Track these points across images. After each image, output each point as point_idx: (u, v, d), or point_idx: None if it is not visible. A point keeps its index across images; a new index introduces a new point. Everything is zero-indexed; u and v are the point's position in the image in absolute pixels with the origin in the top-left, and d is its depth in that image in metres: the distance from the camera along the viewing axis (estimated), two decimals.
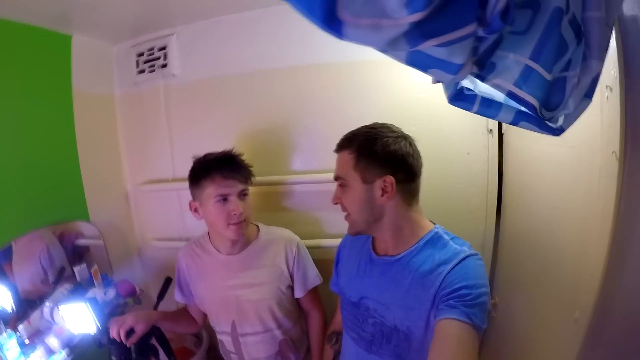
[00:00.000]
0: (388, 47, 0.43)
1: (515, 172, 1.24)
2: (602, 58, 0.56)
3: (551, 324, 0.99)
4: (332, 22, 0.41)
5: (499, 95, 0.66)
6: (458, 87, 0.69)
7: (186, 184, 1.46)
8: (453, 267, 0.78)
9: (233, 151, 1.12)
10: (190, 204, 1.12)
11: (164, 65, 1.47)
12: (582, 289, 0.83)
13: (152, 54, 1.49)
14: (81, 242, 1.46)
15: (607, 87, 0.75)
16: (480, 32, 0.43)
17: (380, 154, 0.83)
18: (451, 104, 0.69)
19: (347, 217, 0.90)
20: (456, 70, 0.45)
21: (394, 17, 0.40)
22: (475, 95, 0.68)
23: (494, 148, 1.28)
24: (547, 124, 0.68)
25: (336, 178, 0.90)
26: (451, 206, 1.32)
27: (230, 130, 1.47)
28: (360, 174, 0.84)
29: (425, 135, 1.27)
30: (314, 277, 1.21)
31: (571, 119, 0.65)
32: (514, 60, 0.51)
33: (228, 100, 1.46)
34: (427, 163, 1.28)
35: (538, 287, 1.07)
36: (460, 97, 0.68)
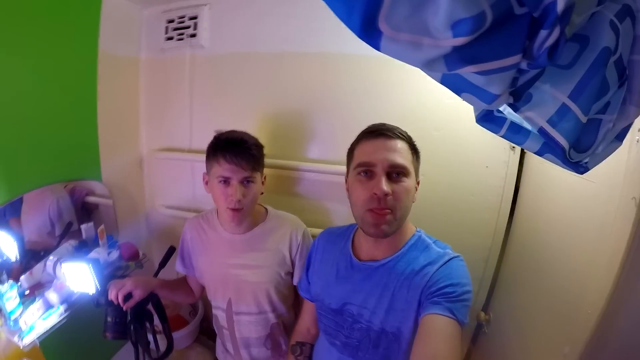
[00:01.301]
0: (425, 67, 0.41)
1: (532, 194, 1.21)
2: None
3: (540, 353, 0.98)
4: (370, 32, 0.39)
5: (527, 124, 0.63)
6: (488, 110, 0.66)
7: (201, 156, 1.47)
8: (438, 268, 0.79)
9: (246, 135, 1.08)
10: (203, 176, 1.12)
11: (193, 35, 1.45)
12: (576, 325, 0.82)
13: (183, 22, 1.47)
14: (91, 199, 1.47)
15: (639, 130, 0.72)
16: (524, 65, 0.41)
17: (419, 159, 0.88)
18: (479, 124, 0.66)
19: (387, 214, 0.79)
20: (491, 100, 0.43)
21: (437, 37, 0.38)
22: (505, 119, 0.65)
23: (514, 165, 1.25)
24: (571, 160, 0.66)
25: (395, 167, 0.80)
26: (461, 217, 1.30)
27: (252, 109, 1.45)
28: (415, 169, 0.85)
29: (446, 142, 1.27)
30: None
31: (597, 159, 0.63)
32: (552, 96, 0.48)
33: (253, 78, 1.43)
34: (444, 170, 1.30)
35: (533, 314, 1.06)
36: (489, 119, 0.65)
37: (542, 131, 0.48)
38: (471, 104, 0.46)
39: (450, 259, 0.81)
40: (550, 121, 0.48)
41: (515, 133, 0.64)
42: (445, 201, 1.29)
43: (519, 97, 0.48)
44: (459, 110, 1.22)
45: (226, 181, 1.03)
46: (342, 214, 1.41)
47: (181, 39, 1.47)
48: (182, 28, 1.47)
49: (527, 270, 1.14)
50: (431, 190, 1.27)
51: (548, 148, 0.63)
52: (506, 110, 0.65)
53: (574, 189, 0.94)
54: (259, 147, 1.09)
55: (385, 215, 0.79)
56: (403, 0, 0.37)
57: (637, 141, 0.73)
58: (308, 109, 1.40)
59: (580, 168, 0.65)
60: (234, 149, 1.02)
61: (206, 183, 1.11)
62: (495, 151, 1.25)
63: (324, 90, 1.36)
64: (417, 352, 0.69)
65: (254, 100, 1.45)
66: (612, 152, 0.62)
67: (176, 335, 1.38)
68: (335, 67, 1.33)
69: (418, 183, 0.87)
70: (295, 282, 1.19)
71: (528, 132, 0.64)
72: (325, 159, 1.39)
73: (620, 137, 0.60)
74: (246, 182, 1.04)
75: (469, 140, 1.26)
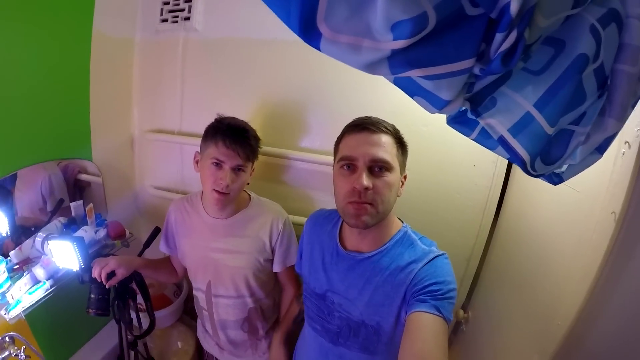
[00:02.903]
0: (367, 70, 0.37)
1: (518, 197, 1.17)
2: (622, 119, 0.48)
3: (511, 358, 0.97)
4: (309, 33, 0.36)
5: None
6: (462, 109, 0.62)
7: (190, 138, 1.43)
8: (423, 266, 0.78)
9: (248, 125, 1.08)
10: (195, 154, 1.11)
11: (187, 18, 1.41)
12: (546, 336, 0.80)
13: (178, 4, 1.42)
14: (83, 177, 1.46)
15: (625, 143, 0.67)
16: (477, 70, 0.37)
17: (407, 153, 0.85)
18: (449, 125, 0.62)
19: (367, 207, 0.78)
20: (442, 105, 0.39)
21: (378, 39, 0.34)
22: (477, 122, 0.61)
23: (502, 166, 1.20)
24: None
25: (377, 161, 0.78)
26: (445, 214, 1.26)
27: (242, 94, 1.42)
28: (400, 163, 0.82)
29: (434, 138, 1.22)
30: (294, 255, 1.20)
31: (574, 170, 0.58)
32: (516, 103, 0.44)
33: (244, 64, 1.39)
34: (430, 167, 1.26)
35: (509, 318, 1.04)
36: (460, 120, 0.60)
37: (501, 140, 0.44)
38: (423, 107, 0.42)
39: (436, 256, 0.80)
40: (511, 130, 0.44)
41: (486, 138, 0.59)
42: (431, 198, 1.25)
43: (479, 102, 0.43)
44: None
45: (219, 164, 1.02)
46: (325, 203, 1.38)
47: (175, 22, 1.43)
48: (176, 10, 1.43)
49: (507, 273, 1.11)
50: (417, 186, 1.23)
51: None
52: None
53: (559, 196, 0.90)
54: (257, 139, 1.09)
55: (365, 207, 0.78)
56: (341, 1, 0.34)
57: (623, 154, 0.68)
58: (297, 98, 1.36)
59: (554, 178, 0.61)
60: (234, 136, 1.01)
61: (197, 162, 1.10)
62: (484, 150, 1.18)
63: (314, 80, 1.32)
64: (405, 350, 0.68)
65: (244, 86, 1.41)
66: (591, 164, 0.57)
67: (159, 314, 1.39)
68: (327, 58, 1.27)
69: (405, 177, 0.85)
70: (275, 269, 1.19)
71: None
72: (312, 148, 1.36)
73: (601, 149, 0.55)
74: (237, 169, 1.04)
75: (458, 137, 1.18)
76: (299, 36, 0.36)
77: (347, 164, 0.80)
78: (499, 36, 0.34)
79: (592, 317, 0.70)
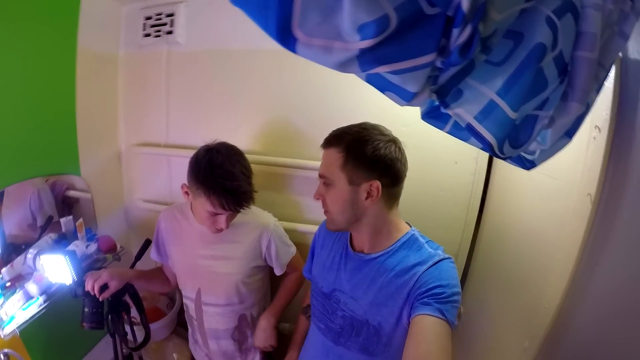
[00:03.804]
0: (339, 68, 0.41)
1: (500, 190, 1.21)
2: (583, 101, 0.52)
3: (504, 348, 1.00)
4: (286, 38, 0.39)
5: None
6: (435, 104, 0.66)
7: (177, 150, 1.43)
8: (427, 269, 0.79)
9: (244, 178, 1.03)
10: (182, 186, 1.08)
11: (170, 32, 1.44)
12: (536, 320, 0.83)
13: (160, 19, 1.46)
14: (71, 193, 1.47)
15: (595, 127, 0.71)
16: (438, 63, 0.41)
17: (370, 157, 0.81)
18: (424, 120, 0.66)
19: (326, 213, 0.88)
20: (410, 97, 0.43)
21: (347, 40, 0.38)
22: (450, 116, 0.65)
23: (483, 161, 1.24)
24: (520, 155, 0.65)
25: (321, 176, 0.86)
26: (430, 212, 1.30)
27: (226, 105, 1.45)
28: (347, 175, 0.82)
29: (414, 137, 1.26)
30: (288, 250, 1.24)
31: (545, 155, 0.63)
32: (480, 92, 0.48)
33: (228, 75, 1.43)
34: (412, 166, 1.25)
35: (500, 309, 1.07)
36: (434, 115, 0.64)
37: (469, 127, 0.48)
38: (394, 101, 0.46)
39: (440, 260, 0.81)
40: (477, 117, 0.47)
41: (459, 129, 0.63)
42: (414, 197, 1.28)
43: (445, 93, 0.47)
44: None
45: (216, 214, 1.03)
46: (311, 209, 1.42)
47: (158, 36, 1.46)
48: (159, 25, 1.46)
49: (495, 265, 1.15)
50: None
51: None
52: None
53: (538, 186, 0.94)
54: (253, 189, 1.07)
55: (326, 214, 0.88)
56: (313, 8, 0.38)
57: (594, 138, 0.72)
58: (281, 106, 1.40)
59: (527, 164, 0.65)
60: (233, 198, 0.99)
61: (185, 193, 1.08)
62: (464, 147, 1.21)
63: (296, 87, 1.36)
64: (409, 353, 0.70)
65: (229, 96, 1.45)
66: (561, 149, 0.61)
67: (153, 326, 1.39)
68: (306, 63, 1.31)
69: (371, 185, 0.81)
70: (277, 273, 1.22)
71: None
72: (298, 154, 1.39)
73: (569, 133, 0.59)
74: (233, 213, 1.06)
75: (438, 136, 1.21)
76: (277, 41, 0.40)
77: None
78: (455, 31, 0.38)
79: (577, 296, 0.74)
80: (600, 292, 0.69)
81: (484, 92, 0.47)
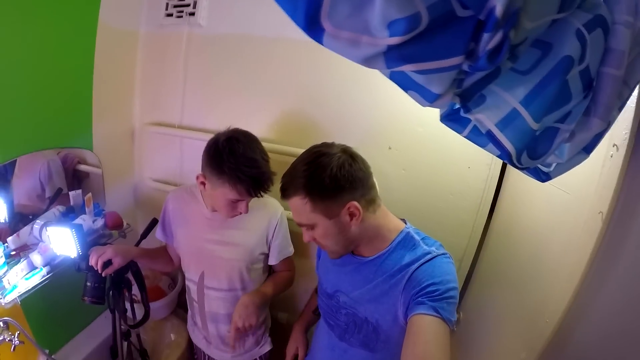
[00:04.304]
0: (365, 63, 0.41)
1: (511, 199, 1.20)
2: (605, 118, 0.52)
3: (501, 357, 0.99)
4: (314, 29, 0.39)
5: None
6: (455, 107, 0.66)
7: (190, 132, 1.41)
8: (420, 266, 0.80)
9: (265, 165, 1.04)
10: (198, 176, 1.07)
11: (192, 14, 1.44)
12: (535, 333, 0.83)
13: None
14: (82, 167, 1.48)
15: (614, 146, 0.70)
16: (465, 67, 0.41)
17: (332, 185, 0.78)
18: (443, 122, 0.65)
19: (323, 248, 0.90)
20: (433, 99, 0.43)
21: (375, 35, 0.38)
22: (469, 120, 0.65)
23: (496, 169, 1.23)
24: (536, 167, 0.65)
25: (299, 224, 0.87)
26: (439, 215, 1.30)
27: (244, 91, 1.45)
28: (322, 212, 0.81)
29: (429, 139, 1.26)
30: (288, 248, 1.25)
31: (562, 169, 0.62)
32: (504, 99, 0.47)
33: (246, 61, 1.43)
34: (425, 167, 1.29)
35: (499, 317, 1.07)
36: (453, 118, 0.64)
37: (489, 134, 0.48)
38: (416, 101, 0.46)
39: (434, 257, 0.81)
40: (498, 125, 0.47)
41: (477, 135, 0.63)
42: (425, 198, 1.29)
43: (468, 98, 0.47)
44: None
45: (237, 200, 1.05)
46: None
47: (180, 17, 1.46)
48: (182, 6, 1.47)
49: (498, 274, 1.15)
50: (411, 185, 1.27)
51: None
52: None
53: (550, 198, 0.93)
54: (270, 166, 1.07)
55: (325, 249, 0.89)
56: (343, 0, 0.37)
57: (611, 156, 0.72)
58: (297, 97, 1.39)
59: (542, 176, 0.65)
60: (258, 184, 1.02)
61: (202, 183, 1.07)
62: (478, 153, 1.23)
63: (314, 79, 1.36)
64: (407, 353, 0.70)
65: (246, 82, 1.45)
66: (578, 164, 0.61)
67: (153, 306, 1.41)
68: (327, 57, 1.31)
69: (350, 207, 0.80)
70: (270, 262, 1.23)
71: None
72: (310, 145, 1.38)
73: (587, 149, 0.59)
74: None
75: (454, 139, 1.21)
76: (304, 31, 0.39)
77: None
78: (486, 36, 0.38)
79: (579, 313, 0.73)
80: (604, 312, 0.69)
81: (507, 100, 0.47)
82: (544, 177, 0.63)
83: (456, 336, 1.32)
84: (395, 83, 0.47)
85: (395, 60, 0.39)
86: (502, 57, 0.39)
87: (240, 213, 1.08)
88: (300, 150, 1.34)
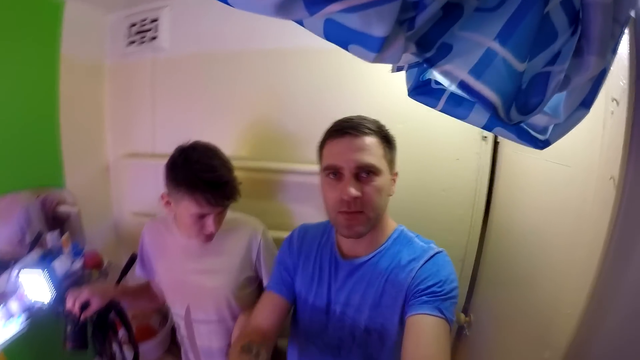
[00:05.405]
0: (281, 13, 0.29)
1: (507, 186, 1.08)
2: (603, 54, 0.40)
3: (520, 358, 0.85)
4: None
5: None
6: (424, 78, 0.54)
7: (165, 160, 1.35)
8: (424, 264, 0.75)
9: (223, 168, 0.94)
10: (162, 196, 0.98)
11: (154, 38, 1.37)
12: (556, 328, 0.70)
13: (144, 25, 1.39)
14: (62, 208, 1.39)
15: (612, 100, 0.59)
16: None
17: (394, 143, 0.81)
18: (411, 97, 0.54)
19: (358, 216, 0.74)
20: (378, 45, 0.31)
21: None
22: (443, 91, 0.53)
23: (487, 157, 1.12)
24: (530, 133, 0.53)
25: (363, 167, 0.73)
26: (433, 213, 1.17)
27: (214, 109, 1.37)
28: (388, 163, 0.78)
29: (412, 135, 1.15)
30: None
31: (561, 130, 0.50)
32: (474, 42, 0.36)
33: (214, 78, 1.34)
34: (412, 165, 1.16)
35: (513, 315, 0.94)
36: (423, 91, 0.53)
37: (463, 85, 0.36)
38: (362, 58, 0.34)
39: (435, 254, 0.76)
40: (473, 71, 0.36)
41: (455, 105, 0.52)
42: (415, 198, 1.17)
43: (428, 46, 0.35)
44: None
45: (202, 216, 0.93)
46: (304, 216, 1.29)
47: (143, 42, 1.40)
48: (143, 31, 1.40)
49: (505, 268, 1.01)
50: (399, 186, 1.13)
51: (498, 120, 0.51)
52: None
53: (549, 177, 0.82)
54: (235, 178, 0.96)
55: (357, 217, 0.74)
56: None
57: (612, 113, 0.60)
58: (269, 108, 1.30)
59: (540, 143, 0.53)
60: (219, 191, 0.90)
61: (167, 203, 0.98)
62: (465, 142, 1.12)
63: (284, 87, 1.27)
64: (408, 354, 0.65)
65: (215, 100, 1.36)
66: (578, 122, 0.49)
67: (145, 346, 1.29)
68: (293, 63, 1.24)
69: (396, 174, 0.81)
70: (265, 283, 1.08)
71: (471, 103, 0.52)
72: (287, 158, 1.28)
73: (586, 102, 0.47)
74: (221, 212, 0.96)
75: (437, 132, 1.14)
76: None
77: (332, 172, 0.76)
78: None
79: (605, 297, 0.60)
80: (636, 288, 0.56)
81: (478, 41, 0.36)
82: (541, 144, 0.51)
83: (470, 340, 1.17)
84: (333, 41, 0.35)
85: (316, 1, 0.28)
86: None
87: (212, 233, 0.95)
88: (282, 164, 1.28)
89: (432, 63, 0.37)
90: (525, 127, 0.52)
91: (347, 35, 0.33)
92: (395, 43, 0.32)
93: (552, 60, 0.40)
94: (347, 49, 0.35)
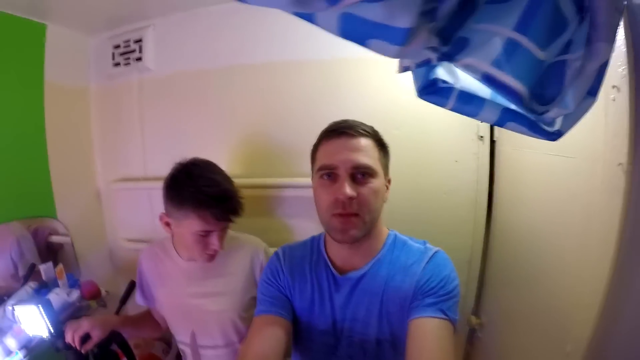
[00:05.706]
0: (298, 6, 0.28)
1: (508, 184, 1.08)
2: (611, 40, 0.41)
3: (540, 353, 0.83)
4: None
5: (484, 91, 0.50)
6: (431, 78, 0.53)
7: (156, 182, 1.31)
8: (425, 265, 0.73)
9: (226, 181, 0.93)
10: (161, 217, 0.95)
11: (139, 59, 1.34)
12: (576, 319, 0.68)
13: (128, 46, 1.36)
14: (54, 238, 1.35)
15: (613, 87, 0.59)
16: None
17: (387, 148, 0.79)
18: (420, 97, 0.53)
19: (353, 220, 0.71)
20: (403, 37, 0.30)
21: None
22: (452, 89, 0.52)
23: (485, 156, 1.12)
24: (541, 126, 0.52)
25: (359, 167, 0.71)
26: (435, 217, 1.15)
27: (204, 128, 1.34)
28: (382, 166, 0.76)
29: (408, 140, 1.14)
30: None
31: (571, 120, 0.50)
32: (493, 33, 0.35)
33: (202, 96, 1.32)
34: (410, 170, 1.16)
35: (527, 312, 0.92)
36: (432, 90, 0.52)
37: (487, 78, 0.35)
38: (382, 53, 0.33)
39: (434, 253, 0.75)
40: (496, 63, 0.35)
41: (465, 103, 0.51)
42: (416, 203, 1.15)
43: (448, 39, 0.35)
44: (418, 106, 1.06)
45: (206, 234, 0.90)
46: (306, 231, 1.24)
47: (128, 64, 1.37)
48: (128, 52, 1.37)
49: (514, 266, 1.00)
50: (399, 193, 1.12)
51: (509, 114, 0.50)
52: (458, 83, 0.52)
53: (552, 171, 0.82)
54: (239, 193, 0.95)
55: (352, 220, 0.71)
56: None
57: (614, 99, 0.60)
58: (263, 123, 1.28)
59: (552, 135, 0.52)
60: (224, 205, 0.88)
61: (166, 224, 0.95)
62: (462, 144, 1.12)
63: (277, 101, 1.25)
64: (413, 358, 0.63)
65: (204, 118, 1.33)
66: (587, 110, 0.49)
67: None
68: (284, 76, 1.23)
69: (389, 181, 0.79)
70: None
71: (482, 100, 0.51)
72: (285, 172, 1.25)
73: (592, 91, 0.47)
74: (225, 228, 0.94)
75: (433, 135, 1.14)
76: None
77: (327, 173, 0.73)
78: None
79: (625, 283, 0.59)
80: None
81: (497, 32, 0.35)
82: (555, 136, 0.50)
83: (483, 342, 1.14)
84: (349, 38, 0.34)
85: None
86: None
87: (215, 251, 0.92)
88: (279, 179, 1.24)
89: (451, 57, 0.37)
90: (535, 119, 0.51)
91: (366, 30, 0.32)
92: (419, 36, 0.31)
93: (565, 50, 0.40)
94: (365, 45, 0.34)
